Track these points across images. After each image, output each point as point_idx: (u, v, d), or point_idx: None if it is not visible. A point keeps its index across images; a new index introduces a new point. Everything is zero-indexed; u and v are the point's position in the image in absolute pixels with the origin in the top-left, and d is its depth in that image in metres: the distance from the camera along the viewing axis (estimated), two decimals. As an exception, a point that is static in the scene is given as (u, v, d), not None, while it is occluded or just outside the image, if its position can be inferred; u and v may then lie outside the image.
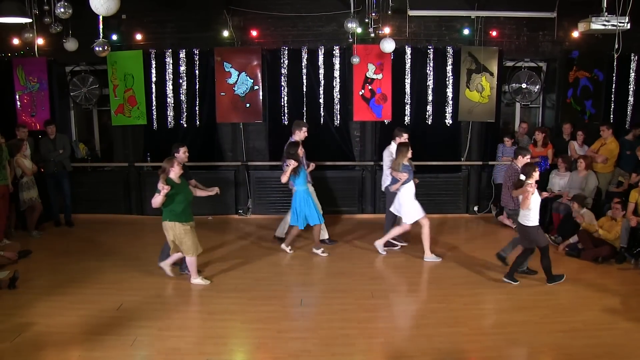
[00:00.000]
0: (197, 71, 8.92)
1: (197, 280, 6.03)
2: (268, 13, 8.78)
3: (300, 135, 7.11)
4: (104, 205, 9.24)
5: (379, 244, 7.08)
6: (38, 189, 8.00)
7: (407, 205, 6.73)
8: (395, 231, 6.97)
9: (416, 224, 6.79)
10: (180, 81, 8.95)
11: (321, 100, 8.94)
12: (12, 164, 7.58)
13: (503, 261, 6.54)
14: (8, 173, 7.42)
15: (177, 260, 6.17)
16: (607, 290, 5.86)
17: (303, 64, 8.86)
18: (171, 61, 8.89)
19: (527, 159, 6.26)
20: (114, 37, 8.77)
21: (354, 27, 6.96)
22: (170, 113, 9.04)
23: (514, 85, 9.08)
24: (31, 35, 6.58)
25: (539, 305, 5.47)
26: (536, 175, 5.80)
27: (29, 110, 9.01)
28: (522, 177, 5.81)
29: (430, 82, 8.92)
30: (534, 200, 5.76)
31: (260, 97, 8.95)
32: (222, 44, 8.84)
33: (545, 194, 6.49)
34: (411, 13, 8.51)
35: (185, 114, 9.06)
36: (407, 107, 8.98)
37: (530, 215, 5.81)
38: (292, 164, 6.60)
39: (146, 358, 4.47)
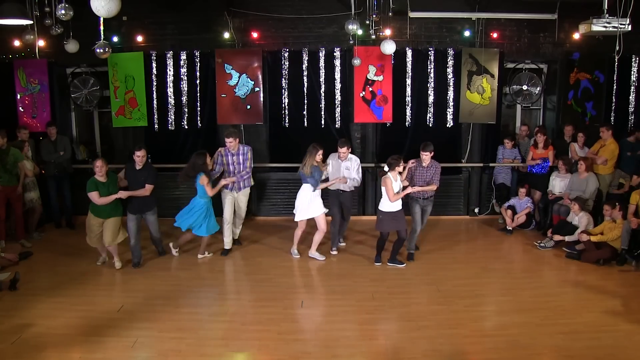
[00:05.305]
0: (197, 73, 8.91)
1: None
2: (269, 15, 8.78)
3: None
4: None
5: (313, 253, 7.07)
6: (39, 190, 8.00)
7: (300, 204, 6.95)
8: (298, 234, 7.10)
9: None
10: (181, 83, 8.95)
11: (322, 102, 8.94)
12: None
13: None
14: (18, 173, 7.51)
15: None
16: (608, 292, 5.86)
17: (304, 66, 8.85)
18: (172, 63, 8.89)
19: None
20: (115, 39, 8.77)
21: (354, 28, 6.96)
22: (171, 115, 9.03)
23: (514, 87, 9.08)
24: (32, 37, 6.57)
25: (539, 307, 5.47)
26: (399, 168, 6.42)
27: (30, 112, 9.02)
28: (386, 168, 6.38)
29: (431, 84, 8.90)
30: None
31: (261, 99, 8.95)
32: (222, 45, 8.84)
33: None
34: (412, 15, 8.52)
35: (186, 115, 9.05)
36: (408, 109, 8.97)
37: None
38: (203, 179, 6.65)
39: (147, 360, 4.48)
